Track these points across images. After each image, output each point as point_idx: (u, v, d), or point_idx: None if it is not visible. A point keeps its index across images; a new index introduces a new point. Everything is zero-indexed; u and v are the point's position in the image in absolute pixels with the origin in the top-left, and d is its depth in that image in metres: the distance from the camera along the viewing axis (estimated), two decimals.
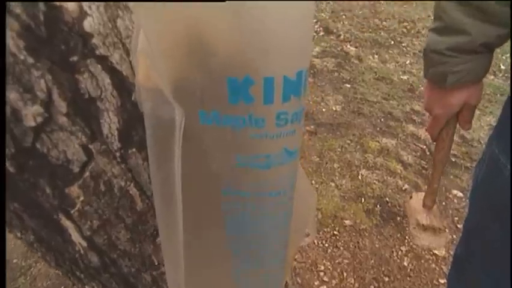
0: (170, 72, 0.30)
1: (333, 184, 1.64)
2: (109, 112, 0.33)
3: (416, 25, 3.25)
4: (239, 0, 0.26)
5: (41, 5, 0.27)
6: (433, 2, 0.55)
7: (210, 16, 0.27)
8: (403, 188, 1.63)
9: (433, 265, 1.32)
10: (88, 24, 0.30)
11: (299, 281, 1.26)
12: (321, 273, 1.29)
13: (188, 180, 0.34)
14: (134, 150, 0.37)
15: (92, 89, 0.31)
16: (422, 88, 2.32)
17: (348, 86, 2.38)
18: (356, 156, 1.80)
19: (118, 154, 0.35)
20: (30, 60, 0.27)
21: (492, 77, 2.45)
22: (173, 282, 0.42)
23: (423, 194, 0.78)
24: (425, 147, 1.88)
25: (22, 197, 0.35)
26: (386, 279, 1.28)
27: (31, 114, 0.29)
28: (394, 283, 1.26)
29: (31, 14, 0.27)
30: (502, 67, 2.56)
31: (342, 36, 3.02)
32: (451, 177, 1.71)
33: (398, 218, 1.50)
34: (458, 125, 0.65)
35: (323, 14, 3.37)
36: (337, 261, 1.34)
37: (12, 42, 0.26)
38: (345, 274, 1.29)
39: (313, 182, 1.63)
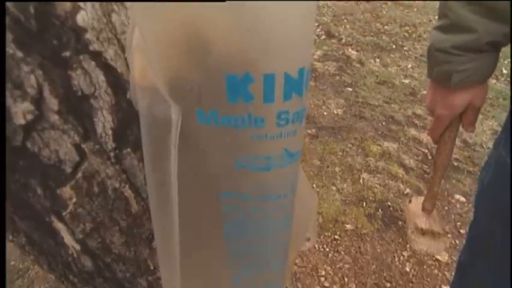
0: (166, 68, 0.29)
1: (334, 188, 1.63)
2: (102, 110, 0.32)
3: (417, 29, 3.24)
4: (239, 0, 0.25)
5: None
6: (436, 2, 0.54)
7: (208, 12, 0.26)
8: (405, 192, 1.62)
9: (436, 271, 1.30)
10: (81, 19, 0.28)
11: (299, 286, 1.24)
12: (322, 278, 1.28)
13: (185, 181, 0.32)
14: (129, 150, 0.35)
15: (86, 86, 0.30)
16: (424, 92, 2.31)
17: (350, 89, 2.37)
18: (358, 160, 1.79)
19: (112, 154, 0.34)
20: (20, 54, 0.26)
21: (494, 81, 2.44)
22: None
23: (423, 198, 0.77)
24: (427, 151, 1.86)
25: (13, 198, 0.34)
26: (388, 284, 1.26)
27: (21, 111, 0.28)
28: None
29: (21, 7, 0.26)
30: (504, 71, 2.55)
31: (343, 40, 3.02)
32: (453, 181, 1.69)
33: (400, 223, 1.48)
34: (459, 128, 0.64)
35: (324, 18, 3.37)
36: (338, 266, 1.32)
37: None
38: (346, 279, 1.28)
39: (314, 185, 1.62)
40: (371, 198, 1.58)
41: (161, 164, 0.30)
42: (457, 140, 0.66)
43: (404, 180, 1.68)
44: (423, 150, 1.87)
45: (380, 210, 1.54)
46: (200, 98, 0.30)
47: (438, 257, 1.34)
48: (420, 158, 1.82)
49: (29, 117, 0.29)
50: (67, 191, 0.33)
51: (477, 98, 0.57)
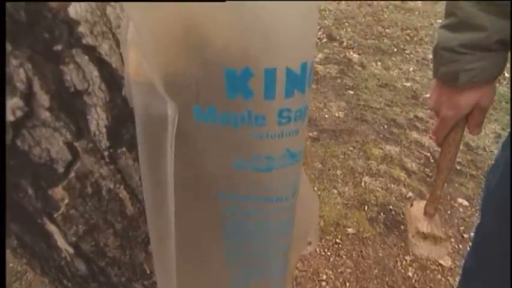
0: (162, 63, 0.28)
1: (335, 191, 1.61)
2: (96, 107, 0.31)
3: (419, 33, 3.24)
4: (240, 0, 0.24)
5: None
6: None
7: (207, 6, 0.25)
8: (407, 196, 1.60)
9: (439, 276, 1.28)
10: (73, 11, 0.27)
11: None
12: (323, 283, 1.26)
13: (182, 182, 0.31)
14: (124, 149, 0.34)
15: (78, 82, 0.29)
16: (426, 95, 2.30)
17: (351, 92, 2.36)
18: (359, 163, 1.77)
19: (106, 153, 0.33)
20: (8, 47, 0.25)
21: (497, 84, 2.43)
22: None
23: (424, 202, 0.75)
24: (429, 154, 1.85)
25: None
26: None
27: (10, 107, 0.27)
28: None
29: None
30: (507, 75, 2.53)
31: (345, 43, 3.01)
32: (456, 185, 1.67)
33: (402, 227, 1.46)
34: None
35: (326, 21, 3.36)
36: (339, 270, 1.30)
37: None
38: (347, 284, 1.26)
39: (315, 189, 1.60)
40: (372, 201, 1.57)
41: (157, 162, 0.29)
42: None
43: (406, 184, 1.66)
44: (425, 153, 1.86)
45: (382, 213, 1.52)
46: (198, 95, 0.28)
47: (441, 261, 1.32)
48: (422, 161, 1.81)
49: (19, 113, 0.27)
50: (58, 192, 0.32)
51: (485, 98, 0.56)
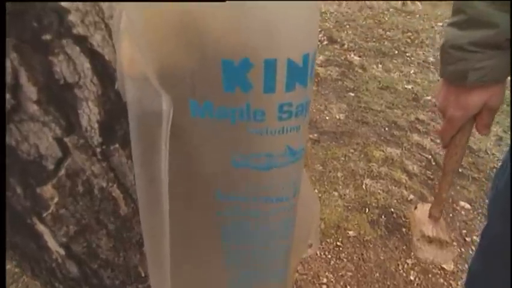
0: (157, 55, 0.26)
1: (336, 193, 1.59)
2: (88, 101, 0.29)
3: (419, 35, 3.23)
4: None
5: None
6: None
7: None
8: (408, 199, 1.58)
9: (441, 280, 1.26)
10: None
11: None
12: (324, 286, 1.24)
13: (176, 181, 0.30)
14: (117, 146, 0.32)
15: (69, 74, 0.28)
16: (427, 97, 2.29)
17: (352, 94, 2.35)
18: (360, 166, 1.76)
19: (98, 150, 0.31)
20: None
21: None
22: None
23: (429, 205, 0.73)
24: (430, 156, 1.83)
25: None
26: None
27: None
28: None
29: None
30: (508, 78, 2.52)
31: (346, 46, 3.00)
32: (458, 188, 1.66)
33: (404, 230, 1.44)
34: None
35: (327, 24, 3.36)
36: (340, 273, 1.28)
37: None
38: (348, 287, 1.24)
39: (316, 191, 1.59)
40: (373, 204, 1.55)
41: (151, 159, 0.27)
42: None
43: (407, 186, 1.64)
44: (426, 155, 1.84)
45: (383, 216, 1.50)
46: (194, 88, 0.27)
47: (443, 265, 1.30)
48: (423, 163, 1.79)
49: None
50: (48, 190, 0.30)
51: (494, 98, 0.54)
